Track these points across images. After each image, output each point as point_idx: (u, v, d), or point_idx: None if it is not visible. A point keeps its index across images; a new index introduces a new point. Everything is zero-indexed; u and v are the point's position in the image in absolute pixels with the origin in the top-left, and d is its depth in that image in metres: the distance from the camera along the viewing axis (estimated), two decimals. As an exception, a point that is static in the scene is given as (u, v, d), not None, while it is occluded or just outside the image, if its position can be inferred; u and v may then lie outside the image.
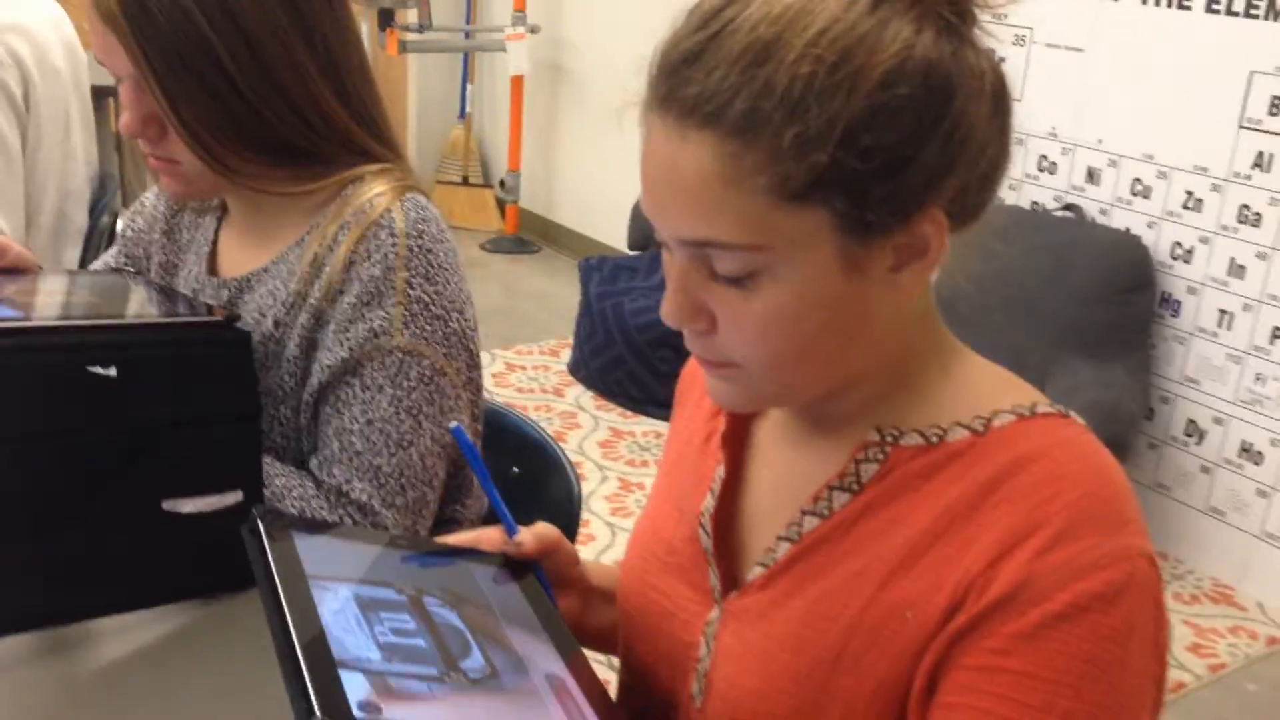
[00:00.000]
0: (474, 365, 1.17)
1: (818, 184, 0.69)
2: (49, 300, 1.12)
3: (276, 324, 1.14)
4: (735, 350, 0.76)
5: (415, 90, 5.35)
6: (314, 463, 1.12)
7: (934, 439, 0.78)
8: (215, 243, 1.25)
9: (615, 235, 4.21)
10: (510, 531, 0.89)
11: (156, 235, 1.31)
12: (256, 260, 1.19)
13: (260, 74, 1.09)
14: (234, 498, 1.05)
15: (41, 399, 0.98)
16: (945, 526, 0.75)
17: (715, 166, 0.69)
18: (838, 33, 0.68)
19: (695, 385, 0.98)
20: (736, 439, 0.89)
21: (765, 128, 0.68)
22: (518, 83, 4.86)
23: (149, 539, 1.01)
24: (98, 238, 2.27)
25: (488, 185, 5.30)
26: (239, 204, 1.22)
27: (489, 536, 0.89)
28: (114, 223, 2.33)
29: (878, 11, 0.69)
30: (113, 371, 1.00)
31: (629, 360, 3.39)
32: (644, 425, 3.38)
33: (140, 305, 1.14)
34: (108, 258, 1.34)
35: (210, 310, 1.13)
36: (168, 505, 1.03)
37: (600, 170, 4.65)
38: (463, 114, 5.36)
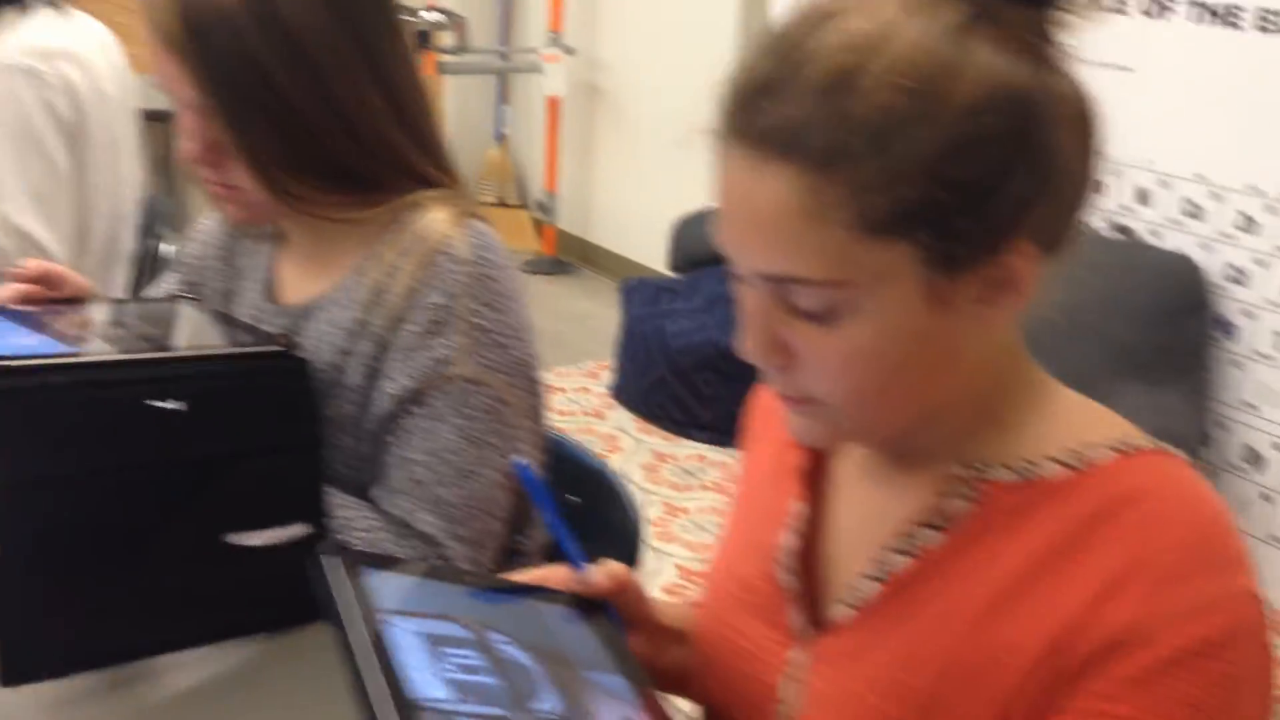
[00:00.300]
0: (537, 394, 1.15)
1: (901, 217, 0.67)
2: (107, 332, 1.11)
3: (338, 352, 1.12)
4: (817, 386, 0.74)
5: (451, 112, 5.36)
6: (378, 493, 1.10)
7: (1026, 474, 0.75)
8: (273, 269, 1.24)
9: (654, 256, 4.19)
10: (579, 568, 0.86)
11: (214, 262, 1.30)
12: (316, 287, 1.18)
13: (321, 100, 1.08)
14: (298, 530, 1.04)
15: (101, 434, 0.97)
16: (1043, 566, 0.72)
17: (795, 200, 0.67)
18: (919, 60, 0.66)
19: (764, 417, 0.96)
20: (814, 473, 0.87)
21: (846, 160, 0.66)
22: (554, 104, 4.87)
23: (213, 573, 1.00)
24: (146, 262, 2.27)
25: (524, 207, 5.31)
26: (297, 230, 1.21)
27: (558, 574, 0.87)
28: (159, 246, 2.34)
29: (959, 37, 0.67)
30: (173, 404, 0.99)
31: (671, 383, 3.36)
32: (687, 448, 3.35)
33: (199, 334, 1.13)
34: (165, 284, 1.33)
35: (271, 339, 1.11)
36: (231, 539, 1.01)
37: (638, 191, 4.65)
38: (499, 136, 5.37)
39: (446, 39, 4.71)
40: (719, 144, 0.72)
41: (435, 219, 1.12)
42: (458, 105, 5.37)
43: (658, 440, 3.40)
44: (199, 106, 1.07)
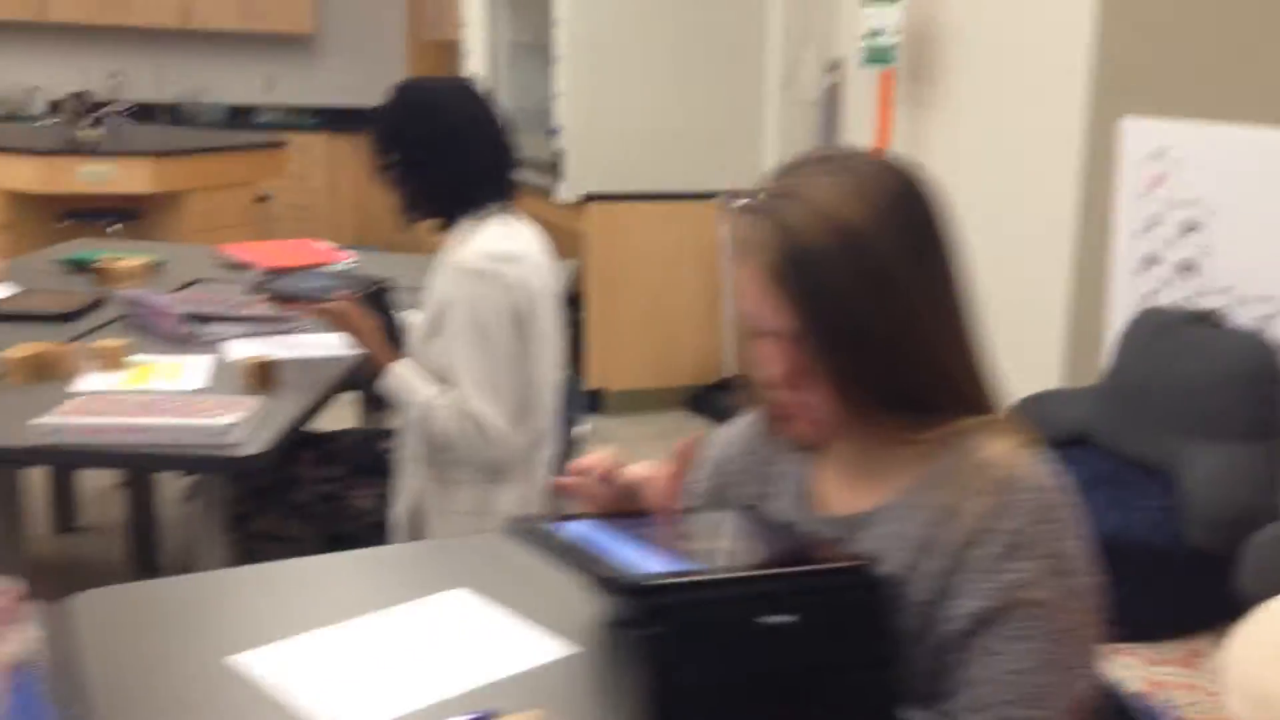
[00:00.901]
0: (1097, 623, 1.16)
1: None
2: (706, 544, 1.19)
3: (901, 566, 1.16)
4: None
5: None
6: (954, 711, 1.12)
7: None
8: (810, 479, 1.30)
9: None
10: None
11: (743, 466, 1.37)
12: (863, 501, 1.23)
13: (902, 331, 1.14)
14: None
15: (719, 648, 1.04)
16: None
17: None
18: None
19: None
20: None
21: None
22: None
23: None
24: (565, 442, 2.42)
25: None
26: (846, 446, 1.26)
27: None
28: (575, 428, 2.48)
29: None
30: (777, 618, 1.05)
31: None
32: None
33: (777, 546, 1.19)
34: (696, 486, 1.41)
35: (844, 553, 1.17)
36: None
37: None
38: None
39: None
40: None
41: (1001, 445, 1.16)
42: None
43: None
44: (792, 334, 1.15)
